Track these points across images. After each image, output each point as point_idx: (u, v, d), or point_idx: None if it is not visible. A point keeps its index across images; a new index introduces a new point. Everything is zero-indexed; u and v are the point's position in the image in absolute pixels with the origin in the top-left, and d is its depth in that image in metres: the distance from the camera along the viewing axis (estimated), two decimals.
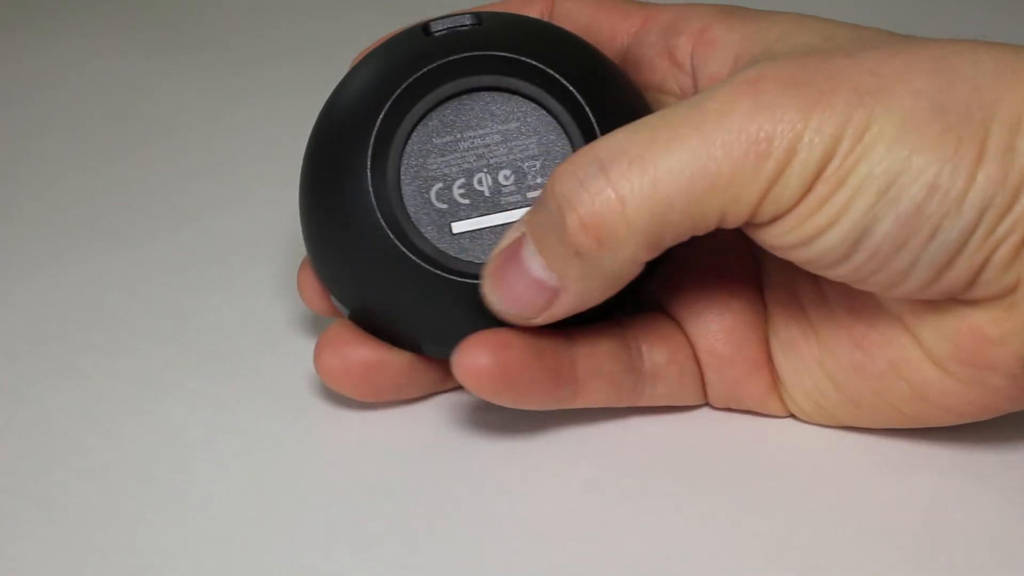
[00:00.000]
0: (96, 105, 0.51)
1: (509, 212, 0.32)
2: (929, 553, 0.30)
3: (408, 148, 0.32)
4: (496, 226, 0.32)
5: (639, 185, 0.28)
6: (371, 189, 0.31)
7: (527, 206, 0.32)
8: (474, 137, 0.32)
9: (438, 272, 0.31)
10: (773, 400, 0.33)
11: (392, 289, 0.32)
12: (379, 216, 0.31)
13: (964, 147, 0.28)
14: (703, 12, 0.33)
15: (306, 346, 0.37)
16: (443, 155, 0.32)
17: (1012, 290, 0.29)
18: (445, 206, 0.32)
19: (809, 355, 0.32)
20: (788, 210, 0.29)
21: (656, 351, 0.33)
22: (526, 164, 0.32)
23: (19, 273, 0.41)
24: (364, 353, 0.33)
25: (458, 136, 0.32)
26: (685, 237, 0.29)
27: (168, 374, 0.36)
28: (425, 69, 0.32)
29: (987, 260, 0.28)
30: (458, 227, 0.32)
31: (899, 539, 0.31)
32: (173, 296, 0.39)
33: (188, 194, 0.45)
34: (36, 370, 0.36)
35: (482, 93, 0.32)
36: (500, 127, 0.32)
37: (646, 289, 0.33)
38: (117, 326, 0.38)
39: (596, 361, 0.32)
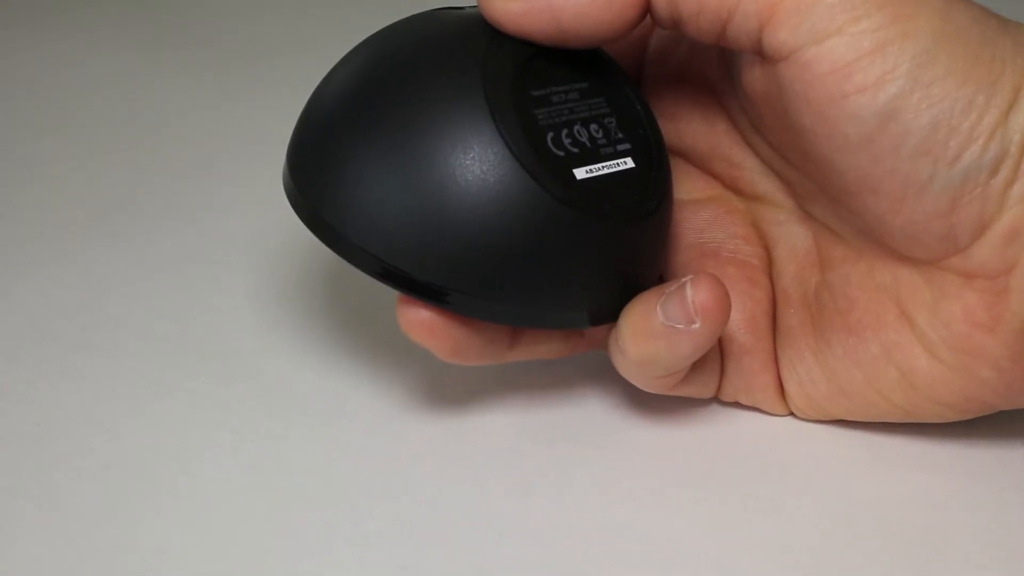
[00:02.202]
0: (96, 104, 0.51)
1: (608, 162, 0.32)
2: (928, 552, 0.30)
3: (517, 99, 0.31)
4: (604, 175, 0.32)
5: None
6: (505, 139, 0.31)
7: (620, 157, 0.32)
8: (560, 92, 0.32)
9: (575, 214, 0.31)
10: (779, 397, 0.34)
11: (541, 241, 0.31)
12: (521, 167, 0.31)
13: (1003, 84, 0.28)
14: None
15: (306, 346, 0.37)
16: (542, 106, 0.32)
17: (1008, 271, 0.29)
18: (562, 153, 0.31)
19: (804, 344, 0.33)
20: (817, 38, 0.28)
21: None
22: (606, 120, 0.32)
23: (19, 273, 0.41)
24: (429, 313, 0.31)
25: (549, 90, 0.32)
26: (692, 4, 0.30)
27: (168, 374, 0.36)
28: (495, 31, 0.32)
29: (995, 216, 0.29)
30: (579, 173, 0.31)
31: (898, 538, 0.31)
32: (173, 296, 0.39)
33: (188, 194, 0.45)
34: (36, 370, 0.36)
35: (551, 53, 0.32)
36: (576, 85, 0.32)
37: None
38: (117, 326, 0.38)
39: None
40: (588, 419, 0.34)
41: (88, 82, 0.53)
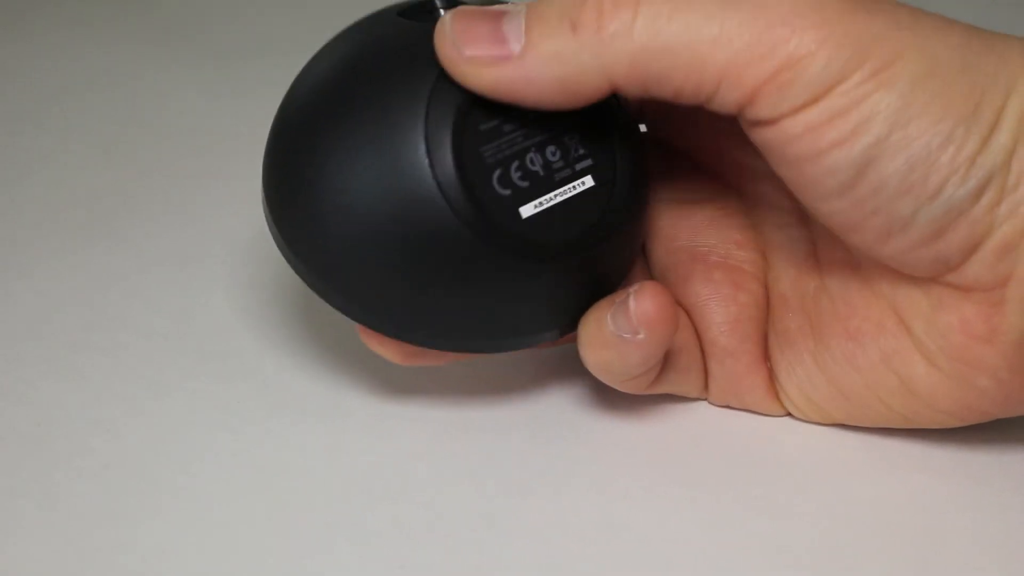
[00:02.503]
0: (96, 101, 0.51)
1: (563, 187, 0.32)
2: (927, 553, 0.30)
3: (461, 140, 0.31)
4: (555, 204, 0.31)
5: (658, 11, 0.28)
6: (443, 195, 0.31)
7: (578, 178, 0.32)
8: (515, 117, 0.31)
9: (519, 262, 0.31)
10: (770, 398, 0.34)
11: (473, 286, 0.32)
12: (459, 223, 0.31)
13: (982, 110, 0.28)
14: None
15: (306, 346, 0.37)
16: (493, 140, 0.31)
17: (1003, 284, 0.29)
18: (508, 192, 0.31)
19: (803, 346, 0.32)
20: (796, 110, 0.28)
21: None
22: (566, 138, 0.31)
23: (19, 273, 0.41)
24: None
25: (500, 120, 0.31)
26: (671, 87, 0.29)
27: (168, 374, 0.36)
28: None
29: (984, 237, 0.28)
30: (525, 211, 0.31)
31: (897, 539, 0.31)
32: (173, 295, 0.39)
33: (188, 192, 0.45)
34: (36, 370, 0.36)
35: None
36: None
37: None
38: (117, 325, 0.38)
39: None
40: (587, 419, 0.34)
41: (88, 79, 0.53)
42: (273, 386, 0.36)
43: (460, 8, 0.30)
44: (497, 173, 0.31)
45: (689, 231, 0.34)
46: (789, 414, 0.34)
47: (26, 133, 0.49)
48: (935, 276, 0.30)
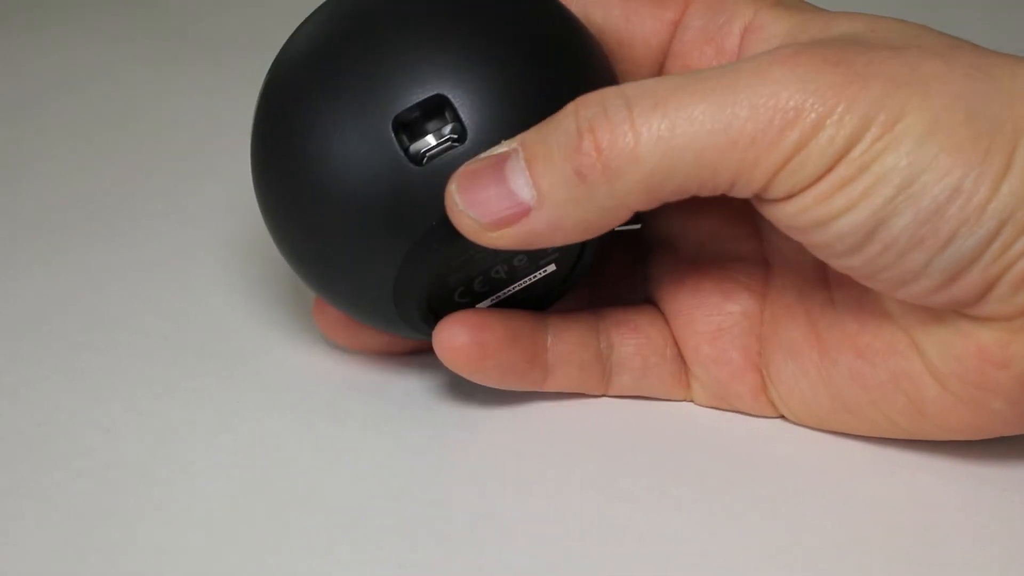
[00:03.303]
0: (96, 104, 0.51)
1: (523, 280, 0.33)
2: (928, 553, 0.30)
3: (430, 294, 0.32)
4: (511, 294, 0.33)
5: (657, 126, 0.28)
6: (399, 317, 0.32)
7: (540, 269, 0.33)
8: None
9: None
10: (760, 403, 0.34)
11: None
12: (406, 327, 0.33)
13: (992, 156, 0.28)
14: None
15: (306, 346, 0.37)
16: (461, 270, 0.32)
17: (1022, 313, 0.29)
18: (467, 300, 0.33)
19: (808, 360, 0.32)
20: (806, 187, 0.28)
21: (626, 342, 0.34)
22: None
23: (19, 272, 0.41)
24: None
25: (472, 251, 0.31)
26: (687, 193, 0.29)
27: (168, 374, 0.36)
28: (427, 230, 0.30)
29: (1000, 276, 0.28)
30: (481, 306, 0.33)
31: (898, 539, 0.31)
32: (173, 295, 0.39)
33: (189, 193, 0.45)
34: (36, 370, 0.36)
35: None
36: None
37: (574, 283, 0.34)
38: (117, 325, 0.38)
39: (566, 347, 0.33)
40: (587, 418, 0.34)
41: (87, 78, 0.53)
42: (273, 386, 0.36)
43: (460, 175, 0.30)
44: (459, 291, 0.32)
45: (691, 241, 0.34)
46: (783, 416, 0.34)
47: (25, 132, 0.49)
48: (952, 310, 0.30)
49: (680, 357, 0.34)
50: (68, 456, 0.33)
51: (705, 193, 0.29)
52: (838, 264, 0.30)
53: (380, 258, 0.31)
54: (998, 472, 0.32)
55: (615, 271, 0.36)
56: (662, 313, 0.35)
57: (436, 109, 0.30)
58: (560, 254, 0.33)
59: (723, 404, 0.34)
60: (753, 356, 0.33)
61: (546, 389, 0.34)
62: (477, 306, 0.33)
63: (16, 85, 0.53)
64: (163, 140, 0.49)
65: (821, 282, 0.33)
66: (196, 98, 0.51)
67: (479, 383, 0.33)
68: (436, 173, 0.30)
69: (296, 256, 0.33)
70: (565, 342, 0.33)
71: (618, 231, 0.32)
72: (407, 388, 0.35)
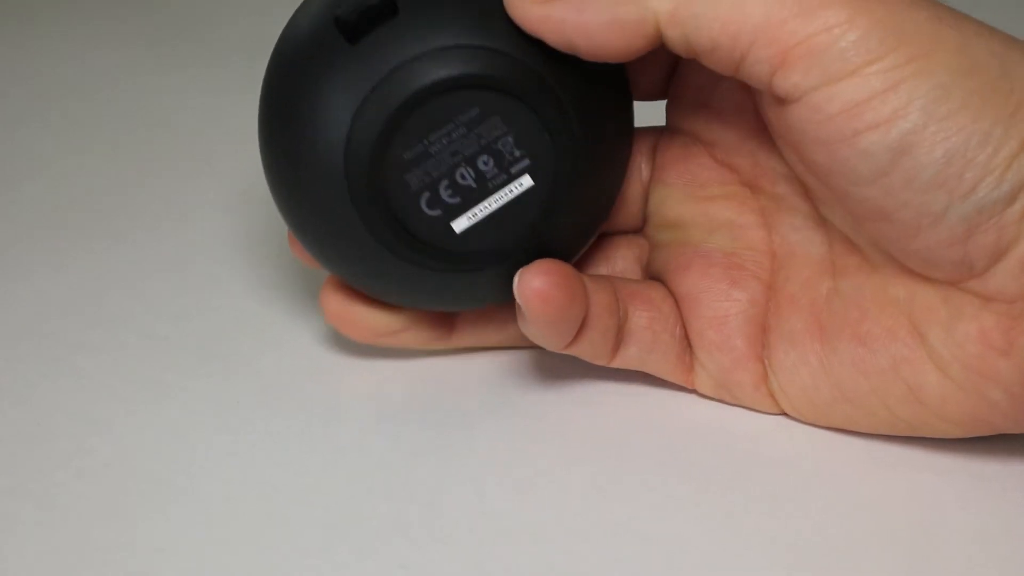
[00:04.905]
0: (97, 104, 0.51)
1: (498, 193, 0.32)
2: (928, 553, 0.30)
3: (383, 177, 0.31)
4: (492, 212, 0.32)
5: None
6: (366, 229, 0.32)
7: (513, 181, 0.32)
8: (440, 137, 0.31)
9: (456, 272, 0.32)
10: (760, 394, 0.34)
11: (421, 298, 0.33)
12: (380, 248, 0.32)
13: (1022, 114, 0.28)
14: None
15: (306, 346, 0.37)
16: (417, 166, 0.31)
17: None
18: (439, 212, 0.32)
19: (810, 348, 0.32)
20: (827, 81, 0.28)
21: (640, 314, 0.34)
22: (499, 143, 0.31)
23: (19, 273, 0.41)
24: (359, 308, 0.35)
25: (425, 143, 0.31)
26: (706, 39, 0.29)
27: (168, 374, 0.36)
28: (366, 96, 0.31)
29: (1012, 244, 0.28)
30: (458, 225, 0.32)
31: (898, 538, 0.31)
32: (173, 296, 0.39)
33: (189, 194, 0.45)
34: (36, 370, 0.36)
35: (431, 98, 0.31)
36: (461, 118, 0.31)
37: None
38: (117, 326, 0.38)
39: (595, 311, 0.33)
40: (588, 419, 0.34)
41: (87, 79, 0.53)
42: (273, 386, 0.36)
43: None
44: (425, 196, 0.31)
45: (701, 229, 0.34)
46: (784, 412, 0.34)
47: (26, 133, 0.49)
48: (958, 280, 0.30)
49: (686, 339, 0.34)
50: (68, 456, 0.33)
51: (723, 49, 0.29)
52: (857, 196, 0.29)
53: (329, 133, 0.31)
54: (999, 471, 0.32)
55: (623, 260, 0.36)
56: (673, 296, 0.35)
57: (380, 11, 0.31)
58: (531, 160, 0.32)
59: (724, 393, 0.34)
60: (756, 345, 0.33)
61: (565, 352, 0.34)
62: (452, 223, 0.32)
63: (16, 86, 0.53)
64: (163, 141, 0.49)
65: (827, 272, 0.33)
66: (197, 99, 0.51)
67: (540, 334, 0.33)
68: (368, 46, 0.31)
69: (269, 174, 0.33)
70: (596, 304, 0.33)
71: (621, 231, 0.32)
72: (407, 388, 0.35)
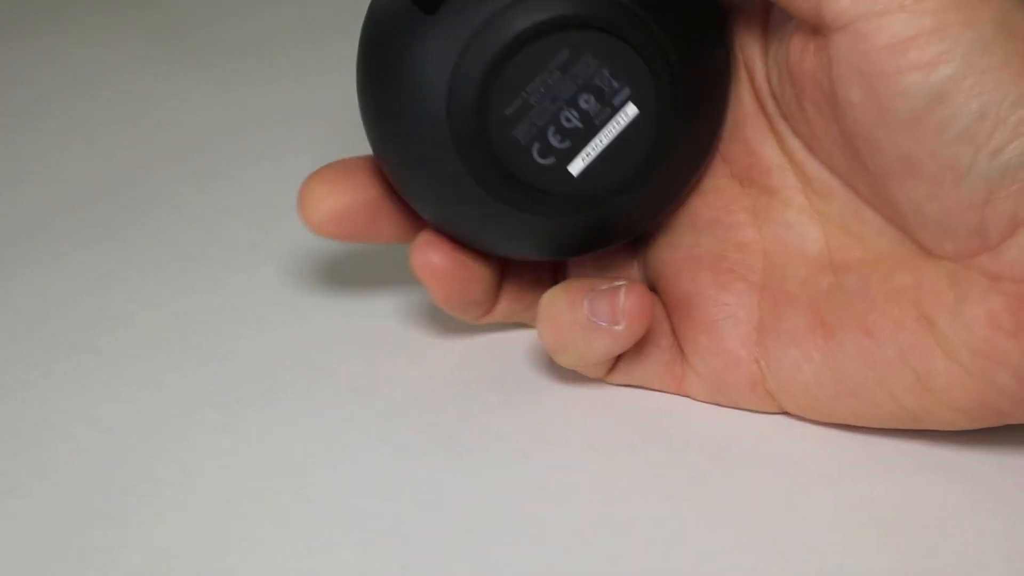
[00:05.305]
0: (97, 105, 0.51)
1: (606, 128, 0.32)
2: (928, 553, 0.30)
3: (493, 139, 0.31)
4: (605, 148, 0.32)
5: None
6: (485, 192, 0.32)
7: (619, 112, 0.32)
8: (537, 87, 0.31)
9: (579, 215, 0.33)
10: (757, 394, 0.34)
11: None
12: (498, 205, 0.32)
13: None
14: None
15: (306, 346, 0.37)
16: (521, 119, 0.31)
17: None
18: (552, 160, 0.32)
19: (813, 346, 0.32)
20: (878, 12, 0.28)
21: None
22: (595, 80, 0.31)
23: (19, 273, 0.41)
24: (441, 259, 0.34)
25: (524, 95, 0.31)
26: None
27: (168, 374, 0.36)
28: (456, 63, 0.31)
29: None
30: (574, 168, 0.32)
31: (898, 539, 0.31)
32: (173, 297, 0.39)
33: (189, 195, 0.45)
34: (36, 370, 0.36)
35: (519, 49, 0.31)
36: (556, 60, 0.31)
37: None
38: (117, 326, 0.38)
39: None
40: (588, 419, 0.34)
41: (90, 84, 0.53)
42: (272, 386, 0.36)
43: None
44: (536, 147, 0.32)
45: (690, 230, 0.34)
46: (783, 411, 0.34)
47: (25, 133, 0.49)
48: (968, 254, 0.30)
49: (676, 347, 0.34)
50: (68, 456, 0.33)
51: None
52: (887, 140, 0.29)
53: (428, 105, 0.31)
54: (999, 471, 0.32)
55: (614, 263, 0.36)
56: (663, 303, 0.35)
57: None
58: (632, 89, 0.32)
59: (720, 396, 0.34)
60: (750, 347, 0.33)
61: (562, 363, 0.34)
62: (568, 167, 0.32)
63: (15, 86, 0.53)
64: (162, 140, 0.49)
65: (826, 269, 0.33)
66: (196, 99, 0.51)
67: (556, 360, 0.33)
68: (447, 12, 0.31)
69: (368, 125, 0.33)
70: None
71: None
72: (407, 388, 0.35)
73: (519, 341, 0.37)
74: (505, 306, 0.36)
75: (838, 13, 0.29)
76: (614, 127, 0.32)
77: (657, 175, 0.33)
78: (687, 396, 0.35)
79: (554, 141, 0.32)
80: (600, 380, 0.35)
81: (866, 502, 0.32)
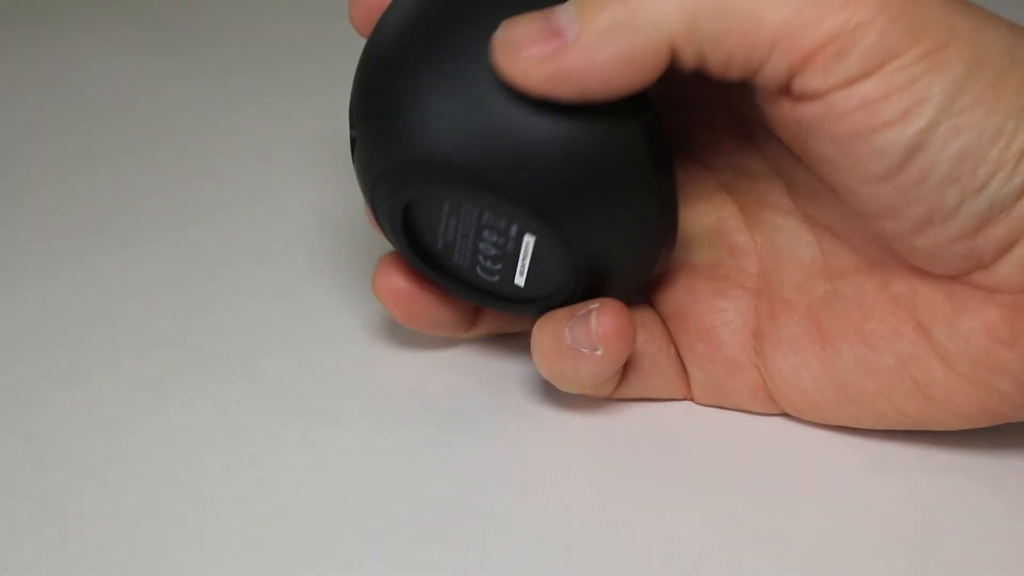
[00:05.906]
0: (97, 105, 0.51)
1: (522, 251, 0.32)
2: (928, 553, 0.30)
3: (438, 261, 0.33)
4: (531, 263, 0.32)
5: None
6: (447, 286, 0.34)
7: (520, 242, 0.32)
8: (446, 229, 0.32)
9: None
10: (759, 399, 0.34)
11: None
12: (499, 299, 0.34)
13: None
14: None
15: (306, 346, 0.37)
16: (452, 250, 0.33)
17: None
18: (497, 278, 0.33)
19: (811, 352, 0.32)
20: (848, 82, 0.28)
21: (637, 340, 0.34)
22: (484, 219, 0.31)
23: (20, 273, 0.41)
24: (403, 282, 0.34)
25: (443, 235, 0.32)
26: (722, 54, 0.28)
27: (169, 374, 0.36)
28: (375, 203, 0.32)
29: (1022, 235, 0.28)
30: (519, 280, 0.33)
31: (898, 538, 0.31)
32: (174, 297, 0.39)
33: (189, 195, 0.45)
34: (36, 370, 0.36)
35: (411, 204, 0.32)
36: (445, 211, 0.32)
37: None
38: (118, 327, 0.38)
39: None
40: (588, 419, 0.34)
41: (90, 84, 0.53)
42: (273, 387, 0.36)
43: (510, 18, 0.29)
44: (479, 268, 0.33)
45: (682, 238, 0.34)
46: (784, 412, 0.34)
47: (27, 136, 0.49)
48: (963, 274, 0.30)
49: (678, 357, 0.34)
50: (68, 456, 0.33)
51: (740, 59, 0.28)
52: (867, 194, 0.29)
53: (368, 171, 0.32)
54: (999, 470, 0.32)
55: None
56: (659, 314, 0.35)
57: None
58: (519, 222, 0.31)
59: (722, 402, 0.34)
60: (749, 353, 0.33)
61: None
62: (515, 280, 0.32)
63: (18, 87, 0.53)
64: (165, 141, 0.48)
65: (821, 274, 0.33)
66: (197, 101, 0.51)
67: (556, 384, 0.33)
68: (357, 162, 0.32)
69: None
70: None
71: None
72: (407, 388, 0.35)
73: (519, 341, 0.37)
74: (490, 320, 0.36)
75: (808, 90, 0.28)
76: (526, 250, 0.32)
77: (591, 279, 0.32)
78: (691, 401, 0.35)
79: (489, 264, 0.32)
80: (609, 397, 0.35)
81: (867, 502, 0.32)
